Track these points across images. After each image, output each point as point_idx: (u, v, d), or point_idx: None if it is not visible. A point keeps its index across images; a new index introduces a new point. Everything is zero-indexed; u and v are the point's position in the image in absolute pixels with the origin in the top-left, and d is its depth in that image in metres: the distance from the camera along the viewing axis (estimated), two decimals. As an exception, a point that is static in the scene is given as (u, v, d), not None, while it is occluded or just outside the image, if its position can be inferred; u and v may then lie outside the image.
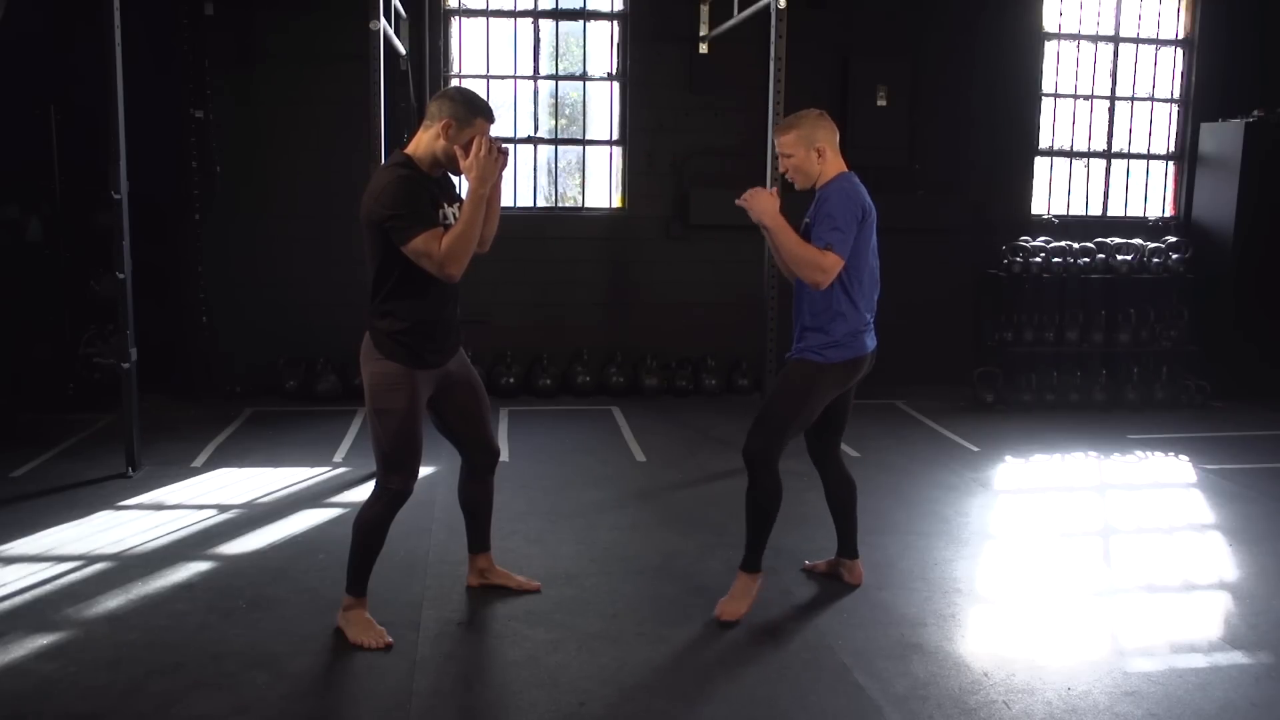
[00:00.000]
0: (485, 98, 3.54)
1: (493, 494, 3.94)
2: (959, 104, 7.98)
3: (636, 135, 7.89)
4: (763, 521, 3.82)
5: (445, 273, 3.24)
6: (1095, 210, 8.56)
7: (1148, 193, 8.63)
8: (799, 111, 3.78)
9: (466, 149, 3.30)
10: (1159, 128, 8.55)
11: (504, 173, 3.60)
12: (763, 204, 3.64)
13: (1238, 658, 3.59)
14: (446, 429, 3.74)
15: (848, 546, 4.18)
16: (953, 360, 7.93)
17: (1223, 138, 7.98)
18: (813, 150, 3.69)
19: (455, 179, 3.55)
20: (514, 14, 7.83)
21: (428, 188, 3.35)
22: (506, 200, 7.76)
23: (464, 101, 3.36)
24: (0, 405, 6.61)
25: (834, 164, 3.74)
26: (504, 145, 3.56)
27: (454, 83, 7.76)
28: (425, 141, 3.38)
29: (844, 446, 6.28)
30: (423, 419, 3.49)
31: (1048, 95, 8.30)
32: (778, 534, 4.70)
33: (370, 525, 3.54)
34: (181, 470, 5.62)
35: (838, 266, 3.56)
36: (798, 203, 3.98)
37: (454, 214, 3.40)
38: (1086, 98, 8.40)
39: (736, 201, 3.71)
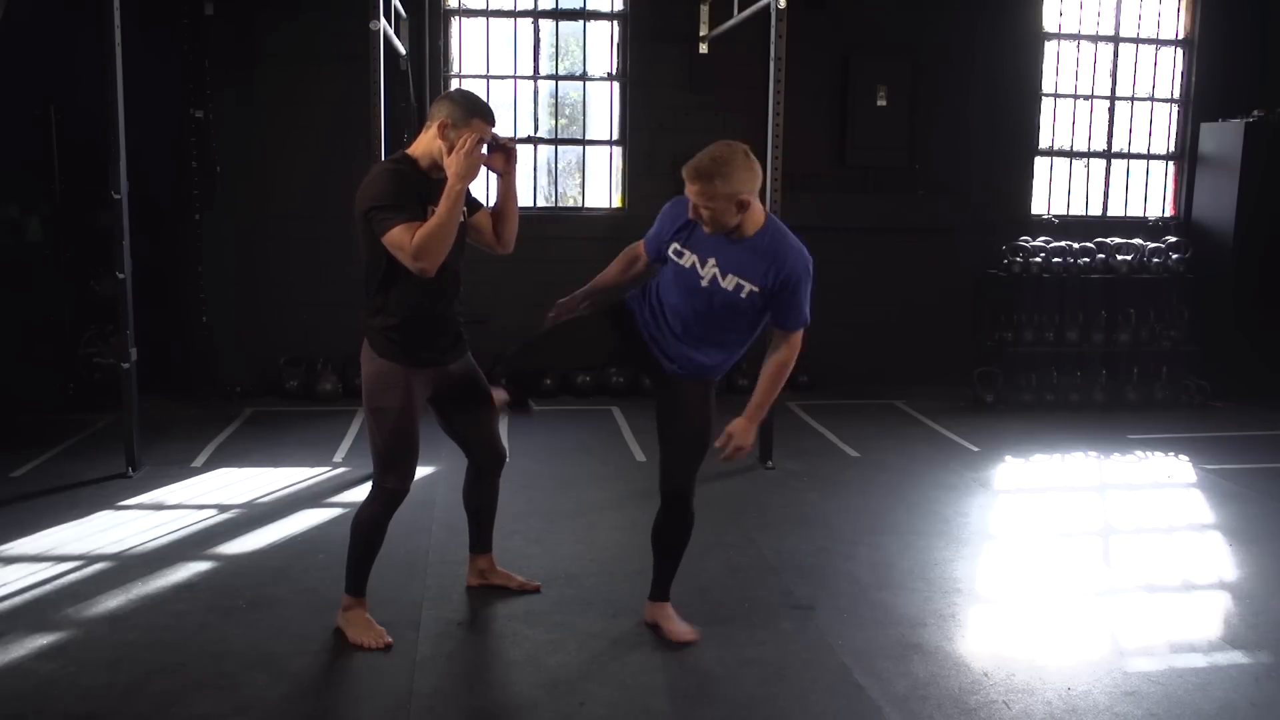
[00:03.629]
0: (486, 98, 3.54)
1: (497, 496, 3.93)
2: (959, 104, 7.98)
3: (636, 135, 7.89)
4: (684, 550, 3.65)
5: (417, 266, 3.20)
6: (1095, 210, 8.55)
7: (1148, 193, 8.62)
8: (717, 153, 3.25)
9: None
10: (1159, 128, 8.55)
11: (515, 170, 3.59)
12: (747, 440, 3.36)
13: (1238, 658, 3.59)
14: (452, 430, 3.73)
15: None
16: (953, 360, 7.93)
17: (1223, 138, 7.98)
18: (734, 204, 3.23)
19: None
20: (514, 14, 7.83)
21: (417, 184, 3.34)
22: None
23: (462, 102, 3.35)
24: (0, 405, 6.61)
25: (757, 211, 3.32)
26: (514, 144, 3.55)
27: (454, 83, 7.77)
28: (425, 142, 3.38)
29: (843, 446, 6.31)
30: (419, 418, 3.48)
31: (1048, 95, 8.30)
32: (778, 534, 4.73)
33: (368, 525, 3.54)
34: (181, 470, 5.62)
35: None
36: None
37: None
38: (1086, 98, 8.40)
39: (722, 458, 3.37)
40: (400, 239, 3.19)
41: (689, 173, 3.27)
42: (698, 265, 3.37)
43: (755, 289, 3.31)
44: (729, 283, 3.32)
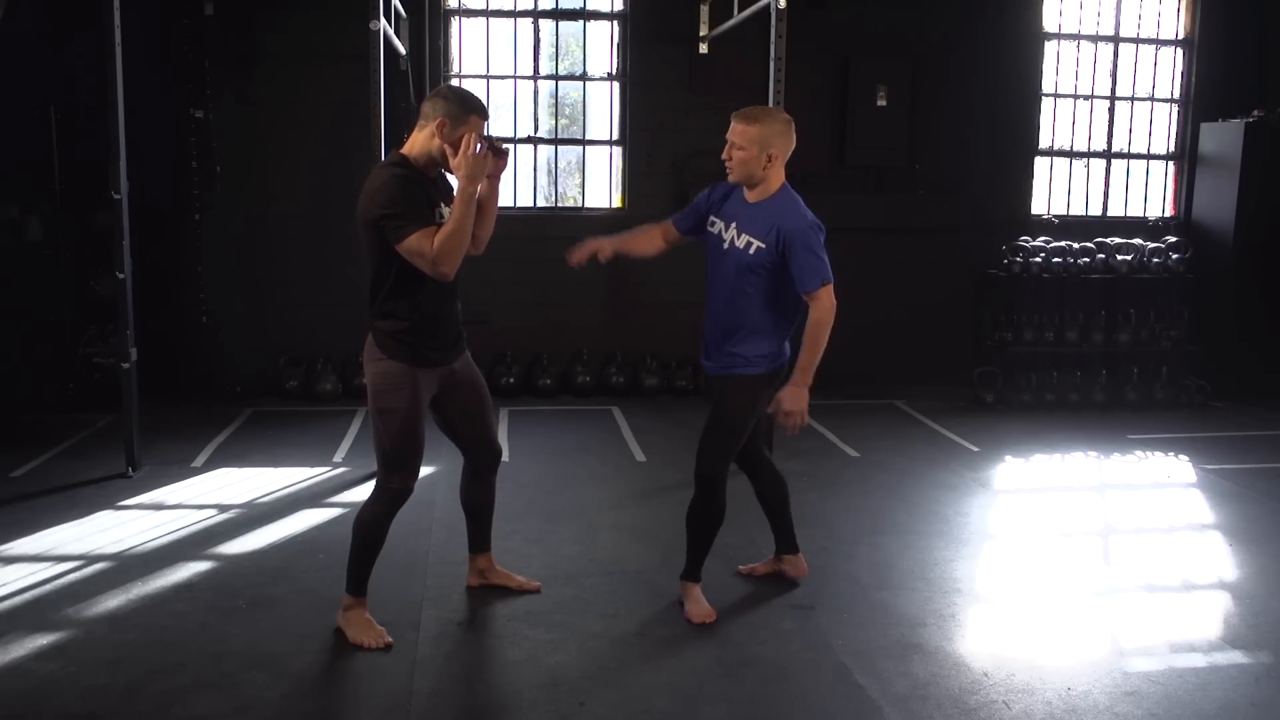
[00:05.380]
0: (484, 97, 3.54)
1: (494, 495, 3.94)
2: (959, 104, 7.98)
3: (636, 135, 7.89)
4: (711, 535, 3.84)
5: (438, 271, 3.23)
6: (1095, 210, 8.55)
7: (1148, 193, 8.62)
8: (768, 107, 3.65)
9: (457, 146, 3.29)
10: (1159, 128, 8.54)
11: (503, 173, 3.60)
12: (797, 404, 3.53)
13: (1238, 658, 3.59)
14: (449, 429, 3.74)
15: (787, 542, 4.17)
16: (953, 360, 7.93)
17: (1223, 138, 7.98)
18: (765, 153, 3.55)
19: (453, 178, 3.55)
20: (514, 14, 7.83)
21: (423, 187, 3.35)
22: (507, 200, 7.79)
23: (457, 99, 3.35)
24: (0, 405, 6.61)
25: (777, 175, 3.62)
26: (504, 145, 3.55)
27: (454, 83, 7.76)
28: (420, 141, 3.38)
29: (843, 446, 6.32)
30: (425, 419, 3.49)
31: (1048, 95, 8.29)
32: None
33: (370, 524, 3.54)
34: (181, 470, 5.62)
35: (832, 292, 3.52)
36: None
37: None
38: (1086, 98, 8.40)
39: (781, 424, 3.60)
40: (419, 245, 3.20)
41: (736, 113, 3.63)
42: (723, 230, 3.67)
43: (762, 245, 3.56)
44: (741, 241, 3.61)
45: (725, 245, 3.63)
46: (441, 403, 3.62)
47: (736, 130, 3.59)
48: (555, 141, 8.04)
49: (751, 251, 3.56)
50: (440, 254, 3.20)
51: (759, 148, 3.55)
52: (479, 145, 3.28)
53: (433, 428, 3.64)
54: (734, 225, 3.63)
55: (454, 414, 3.68)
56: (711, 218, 3.72)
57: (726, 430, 3.69)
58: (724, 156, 3.64)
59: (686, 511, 3.82)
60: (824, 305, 3.52)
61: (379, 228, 3.25)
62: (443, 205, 3.38)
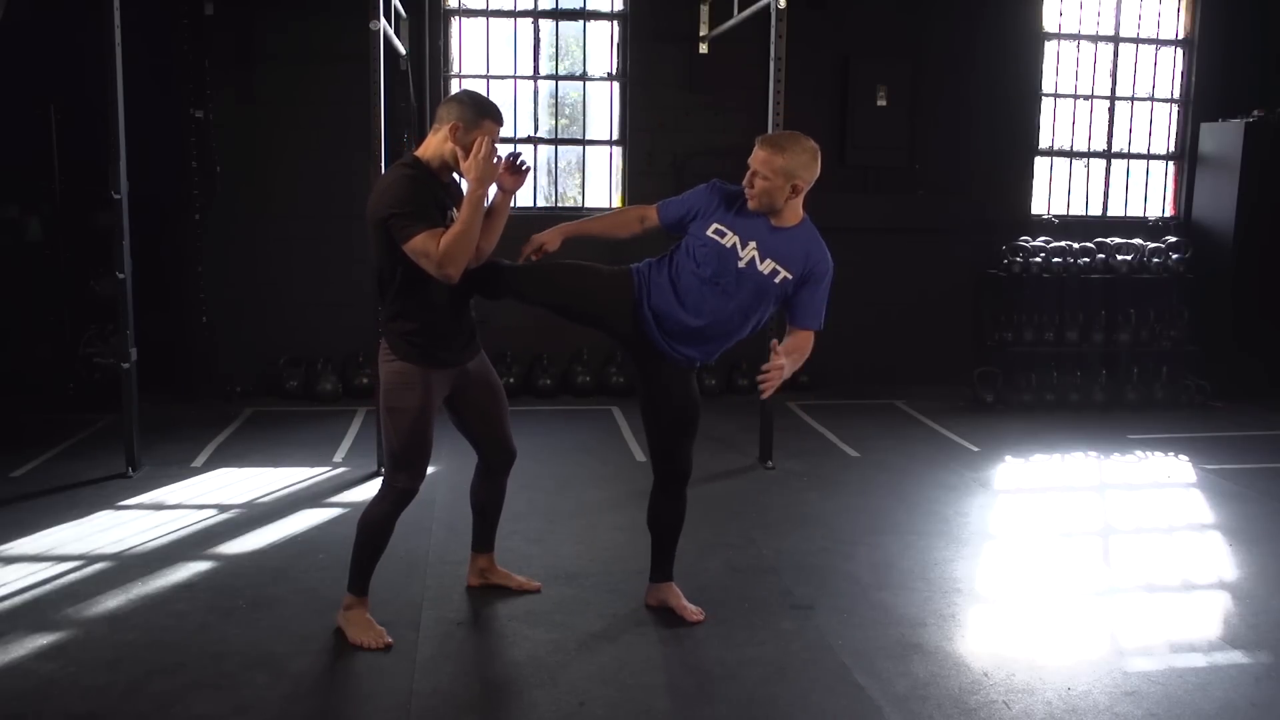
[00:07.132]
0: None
1: (505, 494, 3.94)
2: (959, 104, 7.98)
3: (636, 135, 7.89)
4: (680, 532, 3.82)
5: (443, 273, 3.22)
6: (1095, 210, 8.55)
7: (1148, 193, 8.62)
8: (794, 135, 3.44)
9: (470, 150, 3.30)
10: (1159, 128, 8.55)
11: (519, 188, 3.58)
12: (783, 373, 3.30)
13: (1238, 658, 3.59)
14: (464, 428, 3.74)
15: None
16: (953, 360, 7.93)
17: (1223, 138, 7.98)
18: (790, 184, 3.37)
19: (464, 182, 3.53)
20: (514, 14, 7.83)
21: (433, 189, 3.36)
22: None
23: (471, 104, 3.36)
24: (0, 405, 6.61)
25: (798, 206, 3.47)
26: (525, 165, 3.54)
27: (454, 83, 7.78)
28: (434, 145, 3.38)
29: (843, 446, 6.32)
30: (434, 420, 3.49)
31: (1048, 95, 8.30)
32: (779, 534, 4.72)
33: (375, 523, 3.54)
34: (181, 470, 5.62)
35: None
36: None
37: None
38: (1086, 98, 8.40)
39: (765, 385, 3.28)
40: (425, 246, 3.20)
41: (762, 139, 3.46)
42: (739, 246, 3.45)
43: (789, 276, 3.44)
44: (766, 266, 3.44)
45: (741, 264, 3.41)
46: (456, 402, 3.63)
47: (760, 158, 3.39)
48: (555, 141, 8.05)
49: (777, 280, 3.42)
50: (445, 255, 3.19)
51: (784, 179, 3.36)
52: (493, 151, 3.27)
53: (445, 426, 3.64)
54: (753, 245, 3.42)
55: (469, 413, 3.68)
56: (718, 226, 3.45)
57: (697, 423, 3.66)
58: (745, 184, 3.43)
59: (662, 515, 3.75)
60: (808, 343, 3.50)
61: (386, 227, 3.25)
62: (453, 210, 3.37)
